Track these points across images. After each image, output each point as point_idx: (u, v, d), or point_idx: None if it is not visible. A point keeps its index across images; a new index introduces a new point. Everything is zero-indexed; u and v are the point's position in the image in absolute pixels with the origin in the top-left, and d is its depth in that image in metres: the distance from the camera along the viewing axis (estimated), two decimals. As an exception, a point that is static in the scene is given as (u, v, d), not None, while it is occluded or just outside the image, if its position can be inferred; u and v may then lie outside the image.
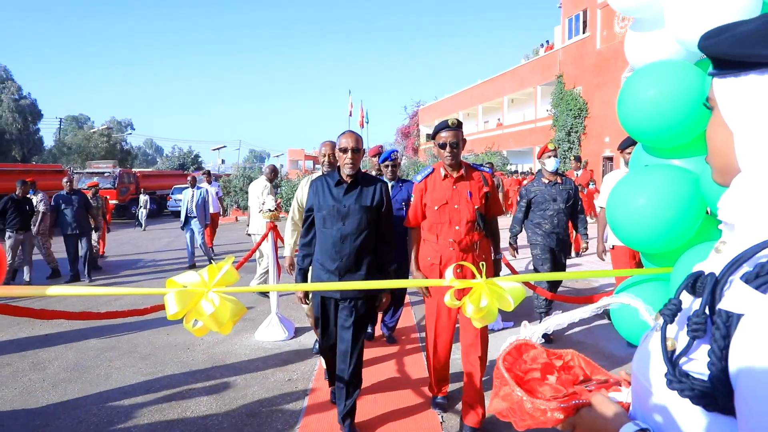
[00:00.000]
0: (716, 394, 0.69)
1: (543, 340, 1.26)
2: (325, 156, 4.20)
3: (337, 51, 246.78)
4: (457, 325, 3.50)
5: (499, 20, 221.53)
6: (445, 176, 3.41)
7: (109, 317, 2.40)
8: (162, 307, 3.44)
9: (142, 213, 19.99)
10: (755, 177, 0.77)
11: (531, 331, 1.20)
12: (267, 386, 4.29)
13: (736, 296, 0.69)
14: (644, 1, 1.62)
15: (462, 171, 3.40)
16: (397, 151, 5.43)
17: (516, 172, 22.88)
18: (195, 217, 10.22)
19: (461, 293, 1.68)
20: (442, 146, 3.33)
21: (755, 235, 0.74)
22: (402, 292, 5.17)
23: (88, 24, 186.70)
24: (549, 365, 1.15)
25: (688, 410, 0.73)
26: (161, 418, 3.76)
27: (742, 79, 0.77)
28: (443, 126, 3.33)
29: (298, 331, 5.72)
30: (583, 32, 24.46)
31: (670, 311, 0.80)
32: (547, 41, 30.01)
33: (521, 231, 5.59)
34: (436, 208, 3.38)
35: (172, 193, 25.24)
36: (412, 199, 3.62)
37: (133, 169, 32.69)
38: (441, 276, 3.24)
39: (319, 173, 4.13)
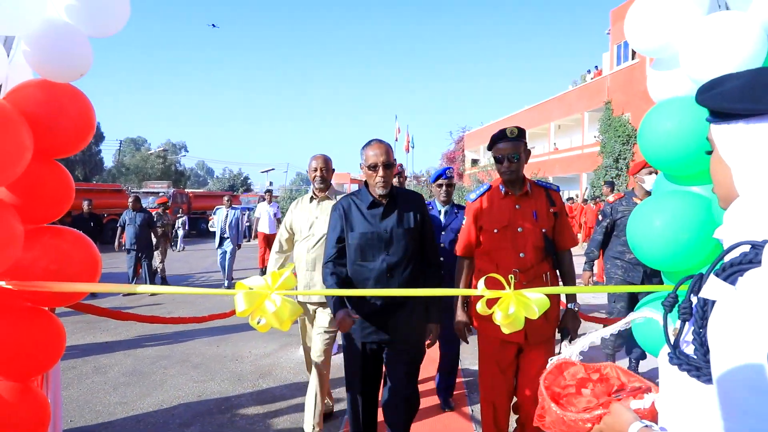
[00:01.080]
0: (701, 366, 0.88)
1: (581, 358, 1.45)
2: (316, 171, 3.71)
3: (386, 75, 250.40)
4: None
5: (547, 47, 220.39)
6: (506, 194, 2.88)
7: (173, 322, 2.69)
8: (216, 317, 3.73)
9: (180, 234, 19.96)
10: (741, 202, 0.95)
11: (570, 351, 1.39)
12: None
13: (710, 287, 0.87)
14: (661, 44, 1.78)
15: (527, 187, 2.86)
16: (452, 169, 4.45)
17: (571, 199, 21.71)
18: (228, 237, 10.45)
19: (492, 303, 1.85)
20: (499, 160, 2.81)
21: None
22: (456, 349, 4.36)
23: (149, 53, 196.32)
24: (585, 379, 1.32)
25: (688, 385, 0.91)
26: (212, 421, 4.01)
27: (732, 126, 0.95)
28: (500, 136, 2.82)
29: (341, 348, 5.92)
30: (632, 59, 24.25)
31: (669, 303, 0.98)
32: (596, 67, 29.78)
33: (599, 256, 4.75)
34: (495, 231, 2.85)
35: (213, 213, 23.89)
36: (464, 221, 3.10)
37: (186, 190, 34.09)
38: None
39: (309, 194, 3.87)
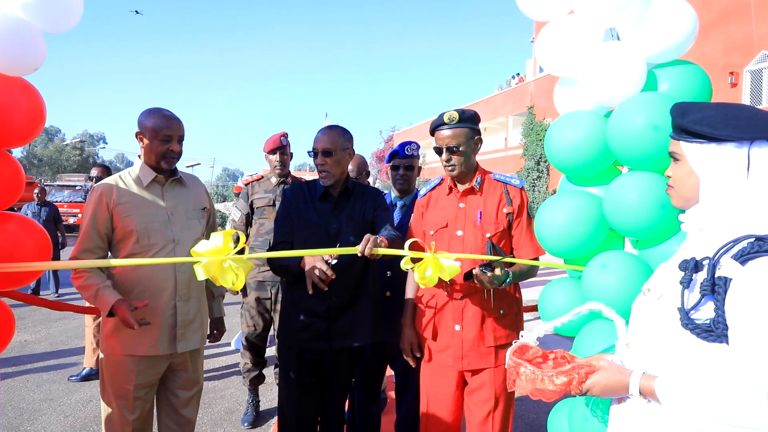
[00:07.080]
0: (714, 329, 1.13)
1: (538, 343, 1.66)
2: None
3: (315, 74, 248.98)
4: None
5: (476, 52, 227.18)
6: (450, 189, 2.45)
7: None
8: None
9: None
10: (714, 204, 1.21)
11: (527, 337, 1.62)
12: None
13: (728, 268, 1.14)
14: (564, 66, 2.11)
15: (473, 182, 2.40)
16: (414, 144, 3.28)
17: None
18: None
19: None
20: (438, 151, 2.37)
21: (720, 235, 1.20)
22: (381, 374, 3.35)
23: (61, 39, 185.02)
24: (545, 356, 1.58)
25: (692, 343, 1.17)
26: (145, 413, 4.03)
27: (705, 146, 1.21)
28: (438, 123, 2.36)
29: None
30: (553, 67, 25.53)
31: (686, 280, 1.21)
32: (518, 74, 31.15)
33: None
34: (431, 233, 2.42)
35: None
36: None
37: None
38: (435, 337, 2.38)
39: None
